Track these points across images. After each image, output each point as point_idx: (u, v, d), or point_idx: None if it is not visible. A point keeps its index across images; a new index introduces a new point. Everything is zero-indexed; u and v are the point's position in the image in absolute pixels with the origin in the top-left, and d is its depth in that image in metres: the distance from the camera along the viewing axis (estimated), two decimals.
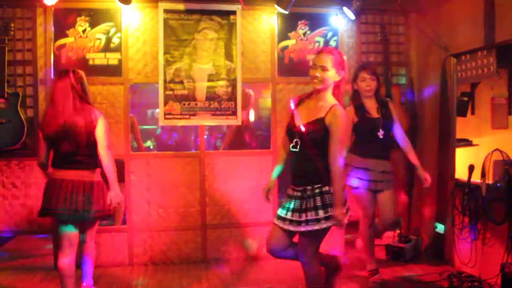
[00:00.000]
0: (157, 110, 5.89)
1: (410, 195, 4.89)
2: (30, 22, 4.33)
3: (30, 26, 4.33)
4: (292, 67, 4.71)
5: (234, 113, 4.59)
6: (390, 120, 3.82)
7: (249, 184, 4.62)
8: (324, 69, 2.87)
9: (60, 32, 4.38)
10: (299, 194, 2.93)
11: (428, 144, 4.68)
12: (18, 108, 4.16)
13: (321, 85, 2.90)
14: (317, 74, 2.89)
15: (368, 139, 3.82)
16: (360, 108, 3.84)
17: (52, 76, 4.33)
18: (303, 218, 2.86)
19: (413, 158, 3.82)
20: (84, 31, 4.40)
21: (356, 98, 3.88)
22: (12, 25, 4.25)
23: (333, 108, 2.86)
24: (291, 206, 2.95)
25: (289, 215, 2.94)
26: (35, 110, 4.34)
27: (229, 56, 4.57)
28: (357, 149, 3.85)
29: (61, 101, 3.25)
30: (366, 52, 4.76)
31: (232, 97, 4.57)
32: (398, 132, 3.86)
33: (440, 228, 4.49)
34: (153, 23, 4.48)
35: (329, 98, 2.93)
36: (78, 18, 4.39)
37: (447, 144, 4.38)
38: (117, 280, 4.10)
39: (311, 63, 3.07)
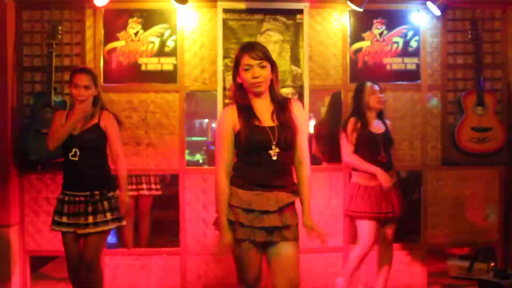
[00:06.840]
0: (206, 120, 5.56)
1: (507, 217, 4.22)
2: (78, 24, 4.05)
3: (79, 29, 4.05)
4: (367, 72, 4.16)
5: None
6: None
7: (316, 204, 4.10)
8: None
9: (111, 35, 4.06)
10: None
11: None
12: None
13: None
14: None
15: None
16: None
17: (102, 83, 4.00)
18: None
19: None
20: (136, 33, 4.06)
21: None
22: (60, 28, 3.94)
23: None
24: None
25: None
26: None
27: (295, 60, 4.09)
28: None
29: None
30: (453, 53, 4.17)
31: None
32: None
33: None
34: (211, 24, 4.09)
35: None
36: (130, 20, 4.06)
37: None
38: None
39: None
